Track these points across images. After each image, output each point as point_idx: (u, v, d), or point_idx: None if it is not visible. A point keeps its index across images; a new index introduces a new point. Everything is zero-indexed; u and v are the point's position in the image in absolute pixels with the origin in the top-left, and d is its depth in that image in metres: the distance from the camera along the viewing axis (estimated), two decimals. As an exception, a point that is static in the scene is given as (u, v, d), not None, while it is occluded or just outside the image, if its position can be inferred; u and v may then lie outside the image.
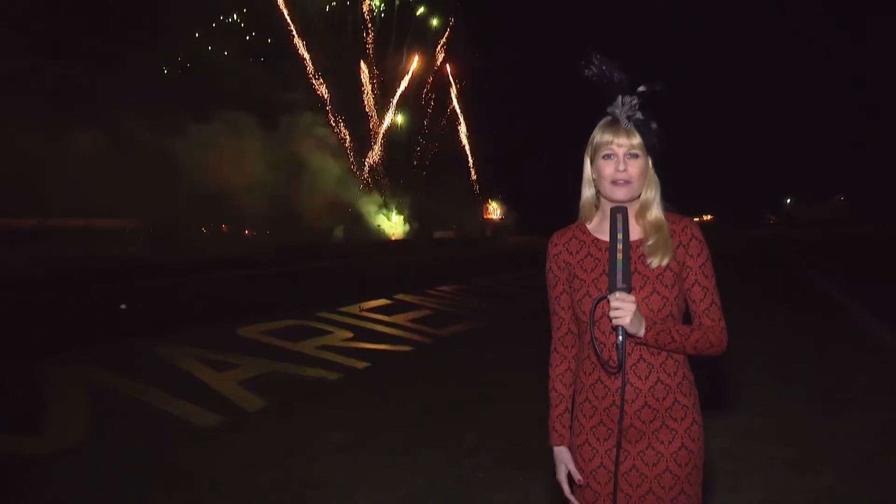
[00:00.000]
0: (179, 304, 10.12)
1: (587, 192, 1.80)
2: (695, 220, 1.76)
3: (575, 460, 1.79)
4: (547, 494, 3.51)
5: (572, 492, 1.80)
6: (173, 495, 3.76)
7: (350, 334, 8.40)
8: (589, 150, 1.74)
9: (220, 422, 5.02)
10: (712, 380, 5.12)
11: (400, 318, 9.58)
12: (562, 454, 1.81)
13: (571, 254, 1.78)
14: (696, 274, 1.68)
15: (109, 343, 7.20)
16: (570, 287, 1.78)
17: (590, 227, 1.80)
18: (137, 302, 9.83)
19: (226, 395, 5.68)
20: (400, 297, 11.61)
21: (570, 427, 1.82)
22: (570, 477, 1.81)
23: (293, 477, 3.93)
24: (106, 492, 3.82)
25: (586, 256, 1.75)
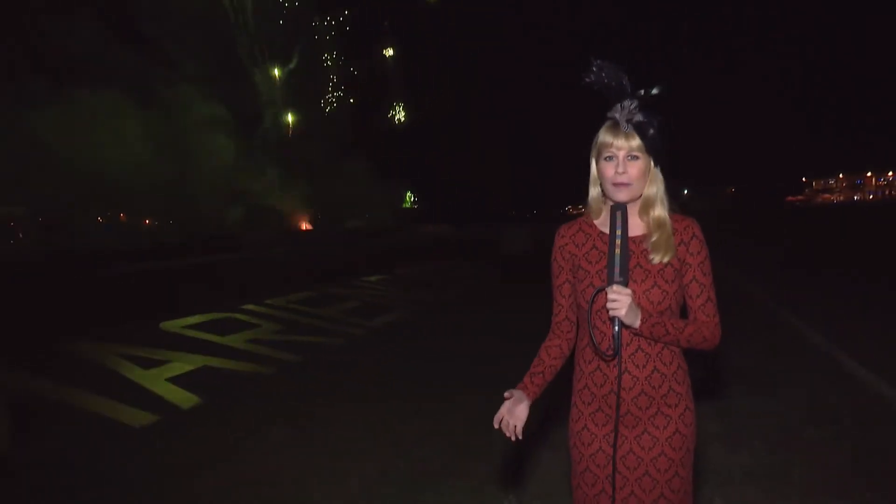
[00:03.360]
0: (91, 299, 9.54)
1: (593, 191, 1.86)
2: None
3: (574, 445, 1.88)
4: (501, 481, 3.61)
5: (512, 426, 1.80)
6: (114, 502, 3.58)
7: (279, 327, 8.22)
8: (593, 152, 1.81)
9: (155, 422, 4.81)
10: (707, 369, 5.31)
11: (328, 310, 9.46)
12: (517, 392, 1.84)
13: (577, 246, 1.87)
14: (694, 271, 1.78)
15: (23, 344, 6.71)
16: (573, 277, 1.87)
17: (597, 221, 1.88)
18: (46, 298, 9.18)
19: (157, 393, 5.44)
20: (324, 288, 11.46)
21: (570, 414, 1.90)
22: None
23: (242, 475, 3.83)
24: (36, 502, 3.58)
25: (591, 249, 1.84)
